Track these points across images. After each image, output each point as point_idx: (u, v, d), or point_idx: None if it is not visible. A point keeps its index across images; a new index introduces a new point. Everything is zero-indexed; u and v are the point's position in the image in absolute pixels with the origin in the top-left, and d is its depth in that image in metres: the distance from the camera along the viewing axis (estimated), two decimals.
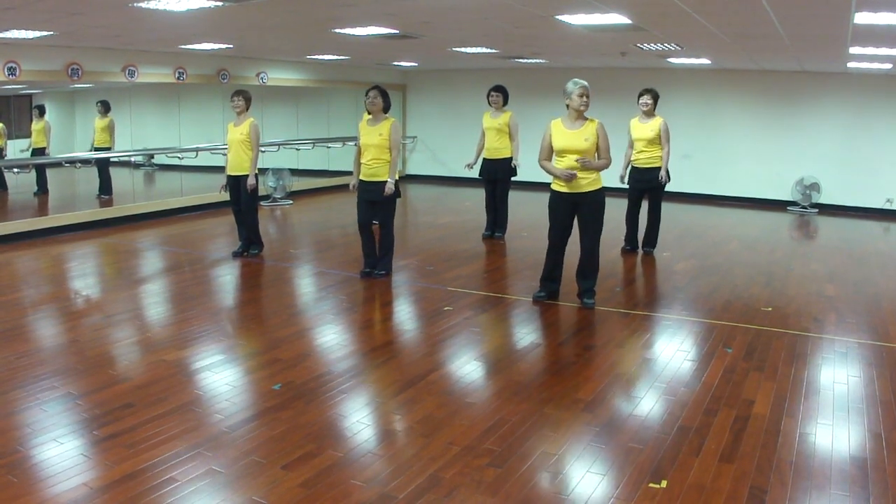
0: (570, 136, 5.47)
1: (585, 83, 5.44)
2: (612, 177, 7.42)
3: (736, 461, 3.28)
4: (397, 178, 6.56)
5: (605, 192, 5.59)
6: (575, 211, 5.62)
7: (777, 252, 8.32)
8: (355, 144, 6.57)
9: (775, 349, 4.83)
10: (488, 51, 9.61)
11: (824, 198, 11.16)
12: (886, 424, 3.69)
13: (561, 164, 5.52)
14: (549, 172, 5.61)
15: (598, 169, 5.51)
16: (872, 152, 10.94)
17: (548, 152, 5.59)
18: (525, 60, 11.10)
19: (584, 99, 5.40)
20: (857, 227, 10.27)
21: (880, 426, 3.67)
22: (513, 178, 8.36)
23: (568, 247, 5.81)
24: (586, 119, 5.49)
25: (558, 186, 5.59)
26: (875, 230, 10.14)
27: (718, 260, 7.63)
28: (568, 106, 5.47)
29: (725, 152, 11.97)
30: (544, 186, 6.06)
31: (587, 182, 5.49)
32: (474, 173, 8.71)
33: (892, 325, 5.44)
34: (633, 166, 7.59)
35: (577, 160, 5.39)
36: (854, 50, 7.47)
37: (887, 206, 10.95)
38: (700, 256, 7.78)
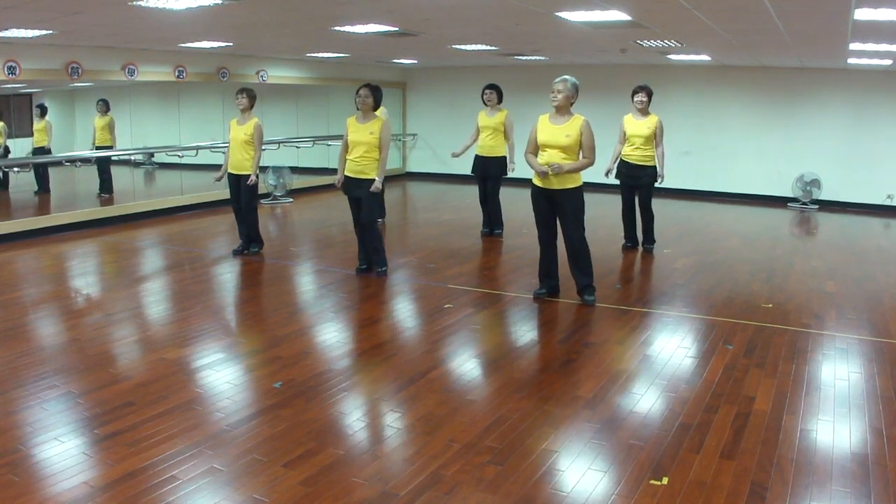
0: (552, 131, 5.50)
1: (564, 77, 5.48)
2: (601, 174, 7.43)
3: (737, 458, 3.28)
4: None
5: (582, 189, 5.58)
6: (552, 206, 5.64)
7: (777, 248, 8.32)
8: (342, 141, 6.58)
9: (776, 346, 4.83)
10: (488, 48, 9.59)
11: (825, 194, 11.15)
12: (887, 420, 3.69)
13: (542, 157, 5.55)
14: (529, 166, 5.65)
15: (577, 170, 5.50)
16: (872, 148, 10.93)
17: (533, 146, 5.63)
18: (525, 58, 11.08)
19: (553, 94, 5.44)
20: (858, 224, 10.26)
21: (881, 422, 3.67)
22: (507, 176, 8.35)
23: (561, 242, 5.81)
24: (573, 115, 5.51)
25: (536, 181, 5.63)
26: (875, 226, 10.13)
27: (719, 256, 7.63)
28: None
29: (726, 149, 11.96)
30: None
31: (559, 180, 5.50)
32: (468, 168, 8.70)
33: (892, 322, 5.44)
34: (623, 161, 7.54)
35: (549, 166, 5.41)
36: (854, 46, 7.46)
37: (888, 202, 10.94)
38: (700, 253, 7.78)
